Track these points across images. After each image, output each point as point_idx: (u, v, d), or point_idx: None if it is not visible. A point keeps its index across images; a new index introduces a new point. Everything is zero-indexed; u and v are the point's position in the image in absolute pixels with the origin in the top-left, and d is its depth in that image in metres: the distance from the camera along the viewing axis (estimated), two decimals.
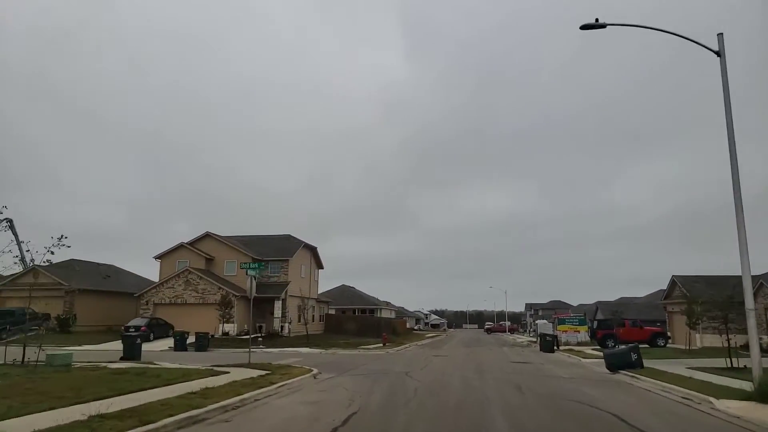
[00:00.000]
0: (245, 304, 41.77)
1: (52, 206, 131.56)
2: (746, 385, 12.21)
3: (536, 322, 59.41)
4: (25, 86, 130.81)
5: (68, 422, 8.04)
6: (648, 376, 16.71)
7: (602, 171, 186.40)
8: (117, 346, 33.95)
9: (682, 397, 12.77)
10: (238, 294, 40.21)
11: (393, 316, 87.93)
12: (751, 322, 12.29)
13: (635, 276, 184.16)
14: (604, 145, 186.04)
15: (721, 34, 13.38)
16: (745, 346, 16.09)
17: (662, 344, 36.69)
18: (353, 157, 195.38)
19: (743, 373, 15.78)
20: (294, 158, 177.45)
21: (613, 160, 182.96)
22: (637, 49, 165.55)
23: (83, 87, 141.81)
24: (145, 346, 33.85)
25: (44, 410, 9.11)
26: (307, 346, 34.51)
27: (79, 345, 32.62)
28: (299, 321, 44.28)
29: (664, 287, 45.63)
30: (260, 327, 43.24)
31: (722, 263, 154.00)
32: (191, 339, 32.46)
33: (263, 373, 17.06)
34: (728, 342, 19.94)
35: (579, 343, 39.89)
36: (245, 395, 12.17)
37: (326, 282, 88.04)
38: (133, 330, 35.67)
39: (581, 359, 26.23)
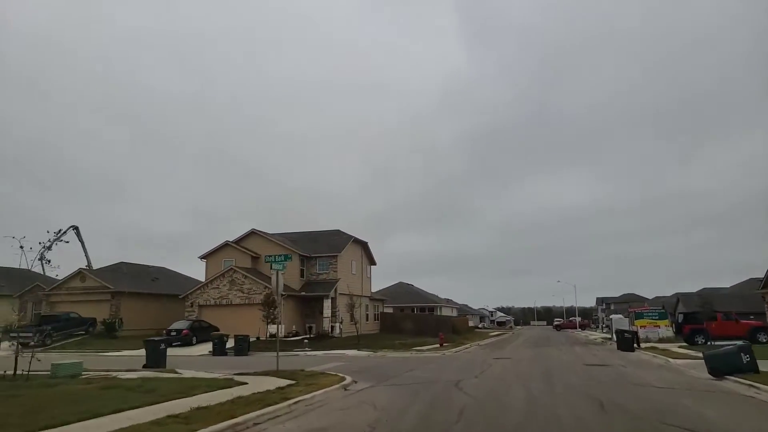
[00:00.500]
0: (293, 303, 39.66)
1: (120, 215, 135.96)
2: None
3: (610, 317, 54.33)
4: (94, 99, 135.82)
5: None
6: None
7: (676, 152, 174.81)
8: None
9: None
10: (284, 293, 37.99)
11: (454, 314, 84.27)
12: None
13: (717, 265, 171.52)
14: (677, 123, 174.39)
15: None
16: None
17: (764, 340, 31.60)
18: (411, 151, 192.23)
19: None
20: (351, 157, 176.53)
21: (689, 139, 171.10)
22: (719, 17, 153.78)
23: (149, 101, 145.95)
24: (185, 351, 32.33)
25: None
26: (355, 348, 31.84)
27: (119, 351, 31.29)
28: (351, 320, 41.73)
29: (757, 276, 40.03)
30: (310, 328, 41.04)
31: None
32: (232, 342, 30.48)
33: (286, 383, 14.43)
34: None
35: (660, 340, 35.29)
36: (239, 419, 9.45)
37: (384, 280, 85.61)
38: (175, 333, 34.23)
39: (669, 360, 22.11)
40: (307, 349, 31.52)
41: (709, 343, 29.54)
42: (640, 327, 36.60)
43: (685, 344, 30.41)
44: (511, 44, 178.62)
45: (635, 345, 30.19)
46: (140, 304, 41.46)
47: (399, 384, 15.19)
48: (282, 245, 41.96)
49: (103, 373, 17.73)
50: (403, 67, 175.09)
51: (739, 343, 17.31)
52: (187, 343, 34.06)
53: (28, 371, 14.61)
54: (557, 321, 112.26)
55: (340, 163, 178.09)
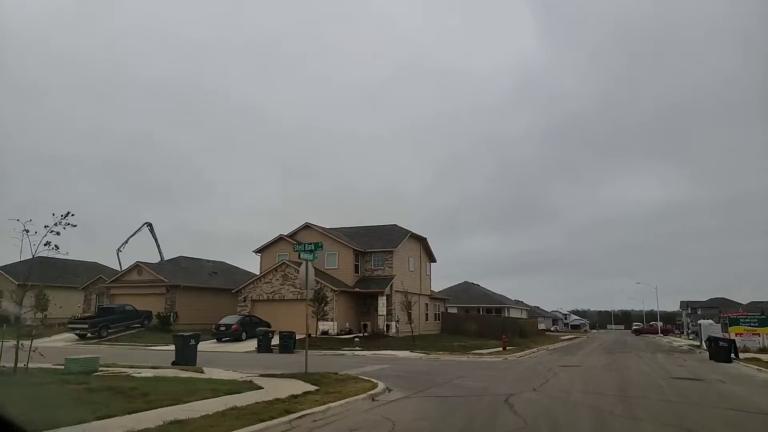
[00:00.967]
0: (346, 300, 37.85)
1: (198, 214, 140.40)
2: None
3: (698, 322, 48.93)
4: (177, 103, 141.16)
5: None
6: None
7: None
8: (204, 346, 31.58)
9: None
10: (336, 288, 36.30)
11: (524, 316, 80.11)
12: None
13: None
14: None
15: None
16: None
17: None
18: (481, 147, 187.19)
19: None
20: (419, 154, 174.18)
21: None
22: None
23: (230, 105, 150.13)
24: (233, 347, 31.15)
25: None
26: (409, 349, 29.51)
27: (168, 345, 30.42)
28: (409, 319, 39.38)
29: None
30: (365, 326, 39.08)
31: None
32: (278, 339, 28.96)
33: (304, 390, 12.39)
34: None
35: (761, 350, 30.65)
36: None
37: (449, 280, 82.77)
38: (224, 328, 33.25)
39: None
40: (357, 348, 29.52)
41: None
42: (736, 334, 32.01)
43: None
44: (589, 30, 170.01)
45: (732, 355, 26.04)
46: (196, 298, 40.98)
47: (438, 395, 12.72)
48: (336, 239, 40.26)
49: (123, 369, 16.37)
50: (474, 58, 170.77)
51: None
52: (237, 338, 32.97)
53: (26, 365, 13.28)
54: (636, 325, 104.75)
55: (408, 161, 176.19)
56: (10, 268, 45.31)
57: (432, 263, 49.68)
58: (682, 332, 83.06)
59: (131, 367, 17.22)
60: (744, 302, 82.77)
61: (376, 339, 34.63)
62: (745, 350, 29.75)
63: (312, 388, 12.95)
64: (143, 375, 14.97)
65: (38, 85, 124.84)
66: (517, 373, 18.86)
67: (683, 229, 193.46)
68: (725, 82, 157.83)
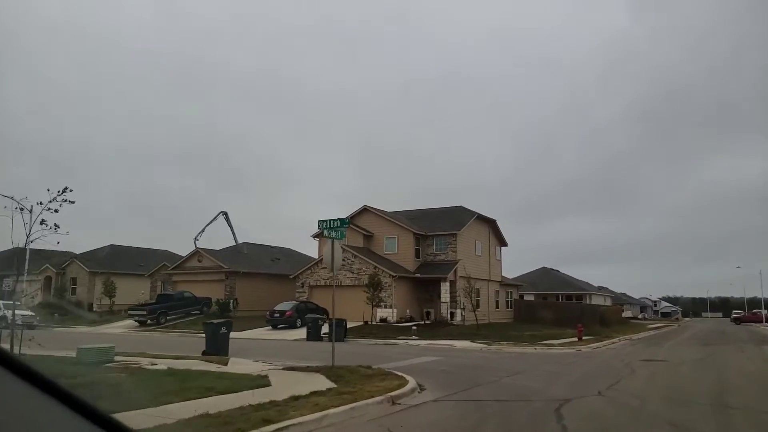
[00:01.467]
0: (407, 286, 35.84)
1: (279, 201, 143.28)
2: None
3: None
4: (259, 93, 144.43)
5: None
6: None
7: None
8: (257, 333, 30.67)
9: None
10: (395, 274, 34.33)
11: (608, 303, 74.80)
12: None
13: None
14: None
15: None
16: None
17: None
18: (570, 127, 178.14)
19: None
20: (505, 136, 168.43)
21: None
22: None
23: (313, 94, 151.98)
24: (285, 334, 29.93)
25: None
26: (470, 339, 27.05)
27: None
28: (477, 307, 36.74)
29: None
30: (427, 313, 36.88)
31: None
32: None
33: (319, 388, 10.56)
34: None
35: None
36: None
37: (526, 266, 78.83)
38: (278, 315, 32.20)
39: None
40: (413, 337, 27.43)
41: None
42: None
43: None
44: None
45: None
46: (256, 284, 40.39)
47: (476, 398, 10.38)
48: (395, 222, 38.23)
49: (141, 360, 15.16)
50: (562, 36, 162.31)
51: None
52: (291, 325, 31.85)
53: (18, 352, 12.19)
54: (736, 313, 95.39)
55: (492, 143, 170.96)
56: (84, 256, 46.91)
57: (503, 247, 46.63)
58: None
59: (156, 357, 16.05)
60: None
61: (438, 327, 32.39)
62: None
63: (328, 385, 11.03)
64: (156, 367, 13.67)
65: (128, 79, 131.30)
66: (586, 368, 16.03)
67: None
68: None
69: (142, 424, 6.93)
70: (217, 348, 17.83)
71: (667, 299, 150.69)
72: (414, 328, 29.31)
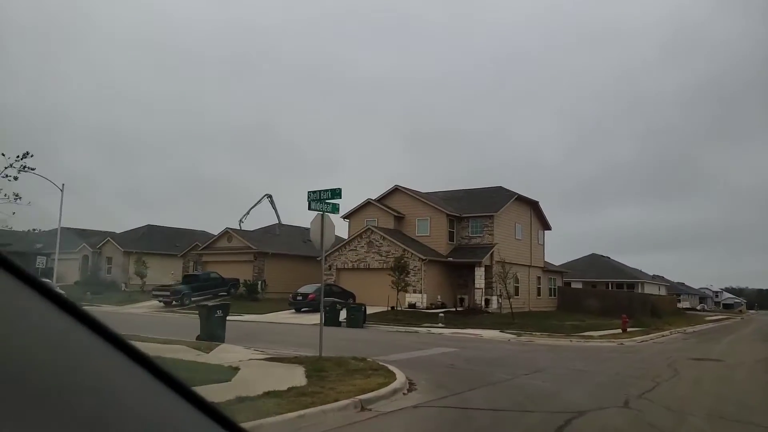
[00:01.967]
0: (438, 270, 33.90)
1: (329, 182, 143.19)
2: None
3: None
4: (312, 80, 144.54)
5: None
6: None
7: None
8: (279, 317, 29.50)
9: None
10: (425, 257, 32.41)
11: (662, 292, 70.49)
12: None
13: None
14: None
15: None
16: None
17: None
18: (628, 109, 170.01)
19: None
20: (556, 119, 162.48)
21: None
22: None
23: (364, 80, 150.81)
24: (305, 318, 28.54)
25: None
26: (501, 328, 24.94)
27: (240, 314, 28.67)
28: (515, 294, 34.41)
29: None
30: (461, 300, 34.86)
31: None
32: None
33: (289, 385, 8.91)
34: None
35: None
36: None
37: (574, 252, 75.15)
38: (301, 298, 30.98)
39: None
40: (439, 325, 25.54)
41: None
42: None
43: None
44: None
45: None
46: (286, 266, 39.34)
47: (469, 405, 8.48)
48: (428, 203, 36.22)
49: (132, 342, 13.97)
50: (617, 11, 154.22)
51: None
52: (315, 308, 30.43)
53: None
54: None
55: (547, 126, 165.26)
56: (120, 236, 47.18)
57: (546, 231, 43.88)
58: None
59: (144, 340, 14.84)
60: None
61: (471, 315, 30.37)
62: None
63: (297, 383, 9.38)
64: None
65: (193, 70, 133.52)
66: (621, 367, 13.76)
67: None
68: None
69: None
70: (211, 333, 16.51)
71: (730, 290, 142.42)
72: (441, 315, 27.37)
